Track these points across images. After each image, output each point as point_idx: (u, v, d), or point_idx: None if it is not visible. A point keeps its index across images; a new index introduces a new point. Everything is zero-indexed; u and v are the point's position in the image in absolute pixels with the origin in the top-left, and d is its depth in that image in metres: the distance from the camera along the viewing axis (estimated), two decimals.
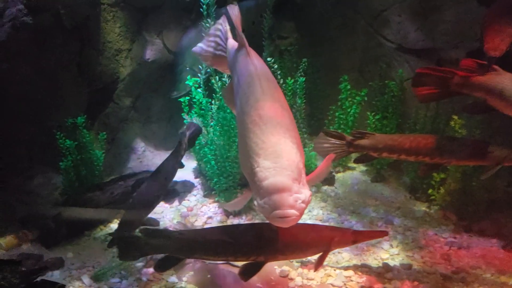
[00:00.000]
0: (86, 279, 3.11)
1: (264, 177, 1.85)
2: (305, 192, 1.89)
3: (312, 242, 2.65)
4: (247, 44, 2.36)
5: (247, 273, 2.56)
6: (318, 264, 2.72)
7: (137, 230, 2.78)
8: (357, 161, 3.41)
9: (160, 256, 2.77)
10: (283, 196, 1.81)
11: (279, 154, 1.90)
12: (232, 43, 2.60)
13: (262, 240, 2.55)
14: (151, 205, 3.38)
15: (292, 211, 1.81)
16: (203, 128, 3.94)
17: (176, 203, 4.07)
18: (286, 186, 1.82)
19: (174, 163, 3.53)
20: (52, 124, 3.75)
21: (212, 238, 2.62)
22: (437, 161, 2.98)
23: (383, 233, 2.90)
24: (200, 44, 2.80)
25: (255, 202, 1.92)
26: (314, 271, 2.79)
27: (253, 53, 2.35)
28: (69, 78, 3.87)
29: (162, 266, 2.73)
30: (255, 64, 2.26)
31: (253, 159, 1.93)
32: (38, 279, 2.57)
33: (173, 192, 3.41)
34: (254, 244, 2.56)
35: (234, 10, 2.51)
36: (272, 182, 1.83)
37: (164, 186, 3.42)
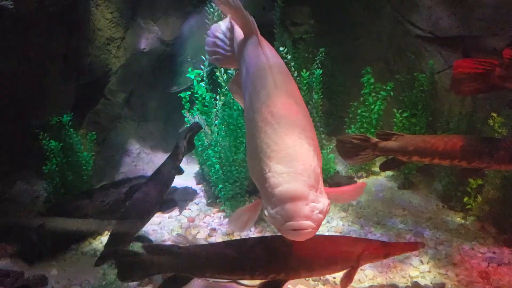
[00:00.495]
0: None
1: (277, 184, 1.83)
2: (323, 201, 1.87)
3: (340, 257, 2.62)
4: (258, 32, 2.34)
5: None
6: (346, 282, 2.68)
7: (141, 246, 2.70)
8: (383, 167, 3.33)
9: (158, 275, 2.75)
10: (298, 205, 1.78)
11: (294, 158, 1.88)
12: (239, 31, 2.59)
13: (283, 256, 2.50)
14: (146, 217, 3.35)
15: (308, 223, 1.79)
16: (206, 127, 3.95)
17: (176, 212, 4.07)
18: (301, 194, 1.80)
19: (171, 169, 3.52)
20: (35, 123, 3.77)
21: (227, 254, 2.57)
22: (475, 165, 2.93)
23: (419, 245, 2.86)
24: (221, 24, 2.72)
25: (266, 212, 1.90)
26: None
27: (264, 42, 2.34)
28: (55, 71, 3.89)
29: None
30: (267, 55, 2.24)
31: (264, 162, 1.91)
32: None
33: (170, 202, 3.38)
34: (274, 260, 2.51)
35: None
36: (285, 189, 1.81)
37: (160, 196, 3.40)
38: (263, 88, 2.14)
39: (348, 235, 3.67)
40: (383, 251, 2.75)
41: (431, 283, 3.16)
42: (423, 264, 3.35)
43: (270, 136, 1.95)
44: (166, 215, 4.03)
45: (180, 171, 3.65)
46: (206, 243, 3.70)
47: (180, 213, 4.06)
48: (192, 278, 2.65)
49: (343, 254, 2.64)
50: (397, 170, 4.23)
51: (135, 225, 3.24)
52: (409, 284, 3.16)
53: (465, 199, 3.69)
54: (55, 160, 3.74)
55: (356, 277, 3.23)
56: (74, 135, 3.85)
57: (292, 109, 2.06)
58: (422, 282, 3.17)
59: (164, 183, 3.49)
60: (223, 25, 2.71)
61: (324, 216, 1.87)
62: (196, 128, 3.78)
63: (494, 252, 3.42)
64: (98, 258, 3.13)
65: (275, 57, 2.32)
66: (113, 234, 3.26)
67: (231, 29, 2.67)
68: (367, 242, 2.80)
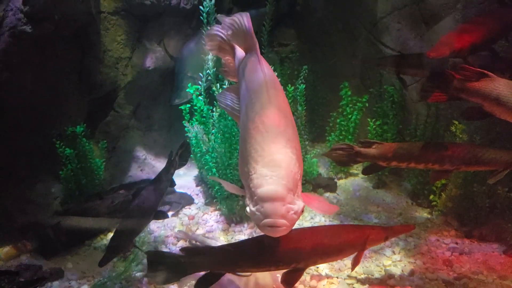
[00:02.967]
0: None
1: (259, 184, 1.88)
2: (299, 204, 1.91)
3: (349, 243, 2.68)
4: (258, 50, 2.38)
5: (289, 281, 2.57)
6: (355, 264, 2.76)
7: (179, 250, 2.65)
8: (366, 171, 3.40)
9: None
10: (275, 205, 1.83)
11: (278, 163, 1.92)
12: (240, 49, 2.62)
13: (302, 248, 2.56)
14: (142, 225, 3.26)
15: (283, 221, 1.84)
16: (204, 135, 3.97)
17: (178, 210, 4.09)
18: (280, 196, 1.84)
19: (164, 181, 3.49)
20: (52, 132, 3.78)
21: (255, 251, 2.59)
22: (446, 167, 3.00)
23: (410, 227, 2.93)
24: (216, 27, 2.67)
25: (248, 209, 1.94)
26: (352, 271, 2.83)
27: (263, 60, 2.38)
28: (70, 87, 3.91)
29: (203, 284, 2.62)
30: (264, 72, 2.28)
31: (251, 165, 1.95)
32: None
33: (162, 213, 3.34)
34: (295, 252, 2.56)
35: (244, 16, 2.48)
36: (266, 190, 1.86)
37: (154, 205, 3.32)
38: (258, 100, 2.19)
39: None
40: (383, 234, 2.81)
41: (402, 270, 3.20)
42: (395, 254, 3.40)
43: (259, 143, 2.00)
44: (169, 213, 4.04)
45: (172, 183, 3.64)
46: (206, 238, 3.74)
47: (175, 215, 4.04)
48: (224, 273, 2.66)
49: (352, 241, 2.69)
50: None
51: (133, 232, 3.14)
52: (383, 272, 3.20)
53: (431, 196, 3.75)
54: (70, 166, 3.75)
55: (336, 266, 3.29)
56: (87, 144, 3.86)
57: (281, 121, 2.10)
58: (394, 270, 3.21)
59: (158, 194, 3.41)
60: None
61: (298, 217, 1.92)
62: (185, 145, 3.79)
63: (456, 243, 3.47)
64: (101, 260, 2.99)
65: (271, 74, 2.36)
66: (113, 239, 3.11)
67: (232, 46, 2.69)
68: (371, 228, 2.85)
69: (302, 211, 1.93)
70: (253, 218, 1.93)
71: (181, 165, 3.66)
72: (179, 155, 3.62)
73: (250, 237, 3.44)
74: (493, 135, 3.28)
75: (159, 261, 2.61)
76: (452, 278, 3.09)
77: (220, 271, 2.63)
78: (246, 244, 2.72)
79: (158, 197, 3.29)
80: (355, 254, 2.77)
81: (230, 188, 2.36)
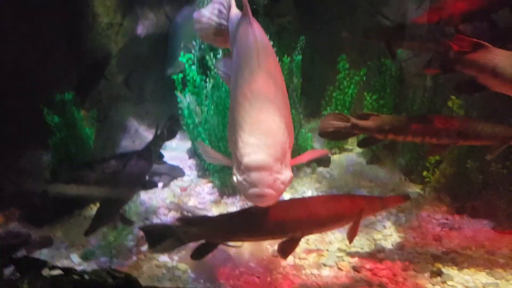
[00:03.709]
0: (75, 258, 3.09)
1: (246, 153, 1.82)
2: (286, 174, 1.86)
3: (346, 213, 2.63)
4: (250, 12, 2.24)
5: (286, 250, 2.54)
6: (352, 235, 2.68)
7: (176, 220, 2.60)
8: (361, 144, 3.26)
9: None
10: (262, 175, 1.78)
11: (265, 132, 1.86)
12: (235, 12, 2.48)
13: (298, 217, 2.52)
14: (129, 195, 3.22)
15: (269, 191, 1.79)
16: (197, 107, 3.88)
17: (170, 182, 4.04)
18: (266, 165, 1.79)
19: (152, 153, 3.42)
20: (41, 100, 3.67)
21: (251, 220, 2.54)
22: (444, 141, 2.90)
23: (406, 198, 2.87)
24: (203, 10, 2.59)
25: (234, 178, 1.89)
26: (350, 243, 2.76)
27: (256, 24, 2.24)
28: (58, 53, 3.77)
29: (199, 254, 2.60)
30: (255, 35, 2.16)
31: (238, 133, 1.89)
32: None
33: (151, 182, 3.27)
34: (292, 221, 2.52)
35: None
36: (253, 159, 1.80)
37: (142, 176, 3.27)
38: (247, 66, 2.09)
39: None
40: (380, 204, 2.76)
41: (392, 245, 3.19)
42: (385, 228, 3.38)
43: (247, 110, 1.92)
44: (160, 185, 3.99)
45: (160, 156, 3.57)
46: (198, 209, 3.71)
47: (166, 186, 3.99)
48: (220, 243, 2.62)
49: (348, 210, 2.63)
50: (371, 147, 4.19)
51: (119, 202, 3.09)
52: (373, 245, 3.19)
53: (424, 172, 3.70)
54: (59, 134, 3.66)
55: (327, 239, 3.28)
56: (76, 112, 3.75)
57: (270, 88, 2.01)
58: (384, 244, 3.20)
59: (145, 165, 3.35)
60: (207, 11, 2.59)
61: (286, 187, 1.87)
62: (174, 118, 3.70)
63: (447, 219, 3.45)
64: (87, 230, 2.96)
65: (263, 38, 2.24)
66: (99, 209, 3.08)
67: (228, 9, 2.56)
68: (367, 198, 2.82)
69: (290, 181, 1.89)
70: (240, 187, 1.88)
71: (169, 138, 3.59)
72: (167, 128, 3.54)
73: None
74: (490, 110, 3.20)
75: (155, 233, 2.57)
76: (440, 252, 3.08)
77: (216, 241, 2.59)
78: (243, 214, 2.67)
79: (145, 167, 3.23)
80: (351, 224, 2.70)
81: (214, 155, 2.29)
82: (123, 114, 4.44)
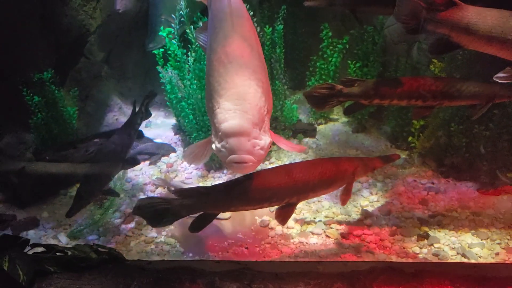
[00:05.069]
0: (63, 238, 3.00)
1: (223, 119, 1.73)
2: (265, 139, 1.78)
3: (339, 175, 2.57)
4: None
5: (283, 216, 2.48)
6: (345, 197, 2.62)
7: (171, 192, 2.43)
8: (346, 111, 3.12)
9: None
10: (240, 141, 1.70)
11: (242, 96, 1.76)
12: None
13: (293, 183, 2.44)
14: (109, 174, 3.06)
15: (249, 157, 1.71)
16: (179, 81, 3.73)
17: (156, 158, 3.93)
18: (244, 130, 1.71)
19: (131, 132, 3.25)
20: (18, 80, 3.48)
21: (247, 189, 2.43)
22: (429, 103, 2.79)
23: (396, 156, 2.83)
24: None
25: (213, 146, 1.79)
26: (343, 205, 2.69)
27: None
28: (33, 31, 3.56)
29: (198, 226, 2.46)
30: None
31: (214, 99, 1.80)
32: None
33: (132, 160, 3.10)
34: (287, 187, 2.44)
35: None
36: (230, 124, 1.72)
37: (121, 155, 3.11)
38: (221, 29, 1.97)
39: None
40: (371, 165, 2.71)
41: (379, 211, 3.15)
42: (372, 195, 3.34)
43: (222, 75, 1.82)
44: (147, 162, 3.88)
45: (140, 135, 3.42)
46: (185, 184, 3.62)
47: (153, 164, 3.87)
48: (218, 213, 2.52)
49: (341, 173, 2.57)
50: (351, 114, 4.08)
51: (100, 180, 2.93)
52: (360, 212, 3.15)
53: (410, 138, 3.64)
54: (40, 114, 3.50)
55: (314, 207, 3.23)
56: (56, 91, 3.59)
57: (245, 52, 1.90)
58: (371, 210, 3.16)
59: (124, 142, 3.18)
60: None
61: (265, 152, 1.78)
62: (152, 95, 3.54)
63: (433, 183, 3.41)
64: (69, 211, 2.81)
65: (237, 1, 2.12)
66: (80, 189, 2.90)
67: None
68: (359, 159, 2.74)
69: (270, 146, 1.80)
70: (219, 155, 1.79)
71: (146, 116, 3.45)
72: (146, 106, 3.40)
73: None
74: (473, 73, 3.11)
75: (151, 207, 2.40)
76: (427, 216, 3.05)
77: (214, 212, 2.48)
78: (239, 182, 2.54)
79: (124, 145, 3.09)
80: (344, 187, 2.63)
81: (200, 152, 2.13)
82: (106, 92, 4.26)
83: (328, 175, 2.53)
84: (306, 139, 4.10)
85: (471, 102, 2.74)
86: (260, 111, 1.78)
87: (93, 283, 2.12)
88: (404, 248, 2.78)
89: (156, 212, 2.39)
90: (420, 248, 2.77)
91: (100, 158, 3.03)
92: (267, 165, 3.72)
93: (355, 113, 3.96)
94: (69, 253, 2.24)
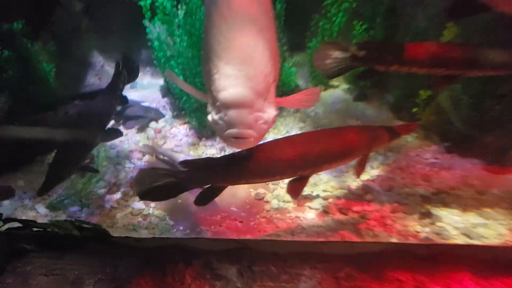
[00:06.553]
0: (41, 209, 2.80)
1: (223, 87, 1.50)
2: (269, 112, 1.56)
3: (356, 146, 2.37)
4: None
5: (296, 190, 2.31)
6: (360, 170, 2.44)
7: (178, 164, 2.18)
8: (362, 77, 2.82)
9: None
10: (241, 113, 1.49)
11: (245, 60, 1.51)
12: None
13: (307, 154, 2.24)
14: (87, 147, 2.78)
15: (250, 132, 1.52)
16: (168, 37, 3.41)
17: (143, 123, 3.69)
18: (246, 101, 1.49)
19: (112, 99, 2.97)
20: None
21: (259, 160, 2.20)
22: (452, 72, 2.54)
23: (414, 126, 2.69)
24: None
25: (209, 117, 1.58)
26: (357, 178, 2.51)
27: None
28: None
29: (205, 199, 2.27)
30: None
31: (213, 62, 1.54)
32: None
33: (114, 131, 2.81)
34: (300, 159, 2.23)
35: None
36: (230, 94, 1.49)
37: (100, 125, 2.84)
38: None
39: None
40: (387, 136, 2.50)
41: (380, 186, 3.03)
42: (373, 169, 3.20)
43: (223, 33, 1.54)
44: (135, 129, 3.64)
45: (124, 100, 3.12)
46: (175, 152, 3.40)
47: (140, 130, 3.63)
48: (226, 187, 2.29)
49: (356, 144, 2.37)
50: (352, 81, 3.85)
51: (76, 154, 2.67)
52: (360, 187, 3.02)
53: (415, 109, 3.47)
54: (11, 71, 3.17)
55: (312, 181, 3.08)
56: (30, 45, 3.24)
57: (252, 6, 1.61)
58: (371, 185, 3.04)
59: (104, 113, 2.89)
60: None
61: (268, 127, 1.57)
62: (127, 59, 3.19)
63: (436, 158, 3.28)
64: (40, 188, 2.56)
65: None
66: (52, 165, 2.63)
67: None
68: (377, 129, 2.52)
69: (274, 121, 1.57)
70: (215, 128, 1.57)
71: (133, 78, 3.14)
72: (127, 68, 3.07)
73: (225, 152, 3.12)
74: (492, 38, 2.89)
75: (153, 179, 2.15)
76: (430, 193, 2.95)
77: (222, 185, 2.26)
78: (250, 154, 2.30)
79: (105, 114, 2.80)
80: (359, 158, 2.44)
81: (188, 90, 1.92)
82: (86, 48, 3.91)
83: (344, 146, 2.33)
84: None
85: (497, 73, 2.53)
86: (265, 78, 1.54)
87: (75, 264, 1.97)
88: (405, 226, 2.68)
89: (159, 185, 2.14)
90: (422, 226, 2.68)
91: (77, 131, 2.70)
92: None
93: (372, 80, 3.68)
94: (49, 229, 2.06)
